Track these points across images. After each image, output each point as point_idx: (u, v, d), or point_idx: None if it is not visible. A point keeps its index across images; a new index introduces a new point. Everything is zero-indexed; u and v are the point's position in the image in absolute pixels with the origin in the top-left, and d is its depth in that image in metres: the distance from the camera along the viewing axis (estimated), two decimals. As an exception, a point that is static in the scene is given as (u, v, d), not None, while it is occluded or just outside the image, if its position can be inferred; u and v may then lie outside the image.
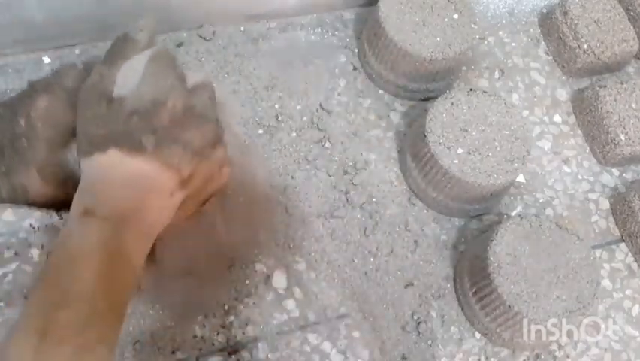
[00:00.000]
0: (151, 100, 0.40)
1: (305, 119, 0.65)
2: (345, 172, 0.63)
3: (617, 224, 0.68)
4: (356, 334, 0.56)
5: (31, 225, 0.54)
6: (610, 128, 0.68)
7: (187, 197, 0.41)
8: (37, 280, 0.37)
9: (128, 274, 0.38)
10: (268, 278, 0.57)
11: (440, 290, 0.60)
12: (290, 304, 0.56)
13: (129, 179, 0.39)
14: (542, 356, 0.59)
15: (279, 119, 0.64)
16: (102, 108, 0.40)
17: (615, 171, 0.71)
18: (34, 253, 0.53)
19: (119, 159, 0.39)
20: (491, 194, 0.61)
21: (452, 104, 0.61)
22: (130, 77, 0.40)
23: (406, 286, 0.59)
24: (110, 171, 0.39)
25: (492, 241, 0.56)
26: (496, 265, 0.55)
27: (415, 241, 0.62)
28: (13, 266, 0.52)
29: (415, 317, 0.58)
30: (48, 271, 0.37)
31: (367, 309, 0.57)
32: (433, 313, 0.59)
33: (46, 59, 0.62)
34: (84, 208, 0.38)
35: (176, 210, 0.41)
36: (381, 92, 0.69)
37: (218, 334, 0.54)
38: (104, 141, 0.39)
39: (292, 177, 0.62)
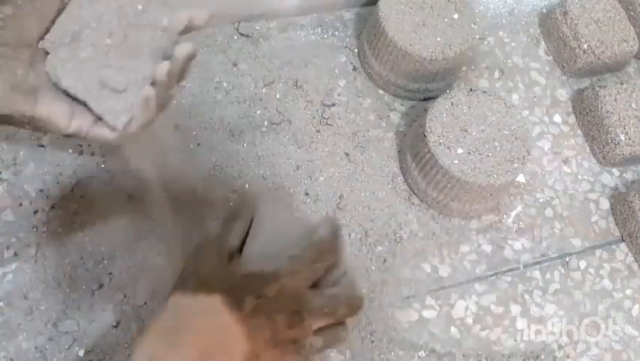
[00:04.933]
0: (272, 271, 0.41)
1: (305, 119, 0.65)
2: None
3: (617, 224, 0.67)
4: (356, 334, 0.56)
5: (31, 224, 0.54)
6: (610, 128, 0.68)
7: None
8: None
9: None
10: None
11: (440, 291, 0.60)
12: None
13: (214, 332, 0.39)
14: (542, 357, 0.59)
15: (279, 119, 0.65)
16: (223, 261, 0.42)
17: (615, 171, 0.71)
18: (34, 253, 0.53)
19: (218, 307, 0.39)
20: (491, 194, 0.61)
21: (452, 104, 0.61)
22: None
23: (405, 287, 0.59)
24: (202, 316, 0.39)
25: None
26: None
27: (415, 242, 0.62)
28: (13, 266, 0.53)
29: (414, 319, 0.58)
30: None
31: (368, 312, 0.57)
32: (434, 314, 0.59)
33: (46, 59, 0.62)
34: (149, 358, 0.38)
35: None
36: (381, 92, 0.69)
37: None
38: (215, 287, 0.40)
39: (292, 176, 0.62)
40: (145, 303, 0.53)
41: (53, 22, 0.40)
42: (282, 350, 0.40)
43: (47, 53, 0.39)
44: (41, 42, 0.39)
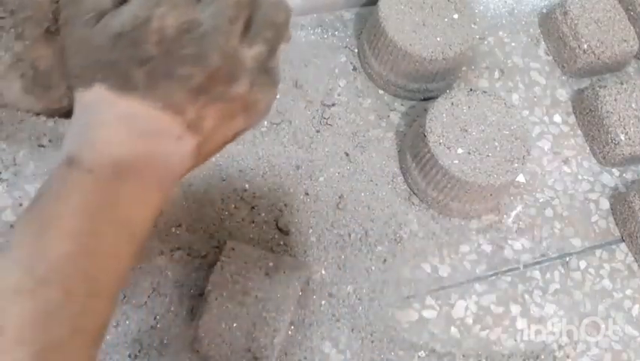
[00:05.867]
0: (132, 17, 0.29)
1: (305, 119, 0.65)
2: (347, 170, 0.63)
3: (617, 224, 0.67)
4: (356, 334, 0.56)
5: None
6: (610, 128, 0.68)
7: (204, 140, 0.32)
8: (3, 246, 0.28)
9: (123, 244, 0.30)
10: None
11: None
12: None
13: (121, 122, 0.30)
14: (542, 357, 0.59)
15: (279, 119, 0.64)
16: (87, 29, 0.30)
17: (615, 171, 0.71)
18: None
19: (105, 97, 0.30)
20: (491, 194, 0.61)
21: (452, 104, 0.61)
22: None
23: (405, 287, 0.59)
24: (97, 111, 0.30)
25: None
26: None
27: (415, 242, 0.61)
28: (13, 266, 0.52)
29: (414, 319, 0.58)
30: (15, 241, 0.28)
31: (369, 312, 0.57)
32: (434, 314, 0.59)
33: (46, 59, 0.62)
34: (67, 157, 0.29)
35: (194, 157, 0.32)
36: (381, 92, 0.69)
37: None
38: (88, 73, 0.30)
39: (292, 176, 0.62)
40: (145, 303, 0.53)
41: None
42: (208, 98, 0.31)
43: None
44: None
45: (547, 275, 0.63)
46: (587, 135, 0.71)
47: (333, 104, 0.67)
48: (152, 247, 0.55)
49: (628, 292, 0.64)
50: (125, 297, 0.53)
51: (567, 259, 0.64)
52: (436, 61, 0.64)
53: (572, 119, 0.73)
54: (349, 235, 0.60)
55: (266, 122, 0.64)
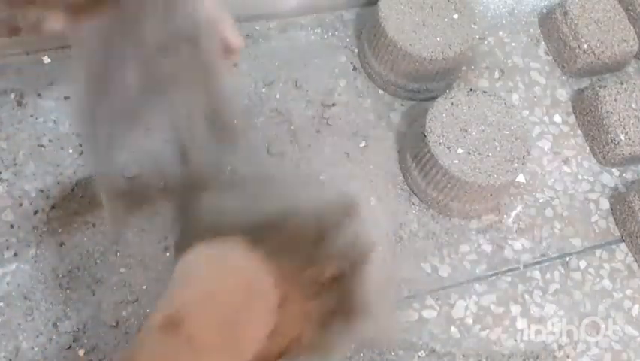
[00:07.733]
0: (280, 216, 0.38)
1: (305, 119, 0.65)
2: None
3: (617, 224, 0.67)
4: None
5: (31, 224, 0.54)
6: (610, 128, 0.68)
7: None
8: None
9: None
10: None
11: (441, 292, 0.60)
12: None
13: (243, 275, 0.37)
14: (542, 357, 0.59)
15: (280, 119, 0.65)
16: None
17: (615, 171, 0.71)
18: (34, 253, 0.53)
19: (240, 249, 0.37)
20: (491, 194, 0.61)
21: (452, 104, 0.61)
22: None
23: (405, 287, 0.59)
24: (226, 261, 0.37)
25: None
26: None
27: (415, 242, 0.61)
28: (13, 266, 0.53)
29: (414, 319, 0.58)
30: None
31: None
32: (434, 314, 0.59)
33: (46, 59, 0.62)
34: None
35: None
36: (381, 92, 0.69)
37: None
38: (232, 229, 0.37)
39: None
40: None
41: None
42: (305, 291, 0.37)
43: None
44: None
45: (547, 275, 0.63)
46: (587, 135, 0.71)
47: (333, 104, 0.67)
48: (152, 244, 0.55)
49: (628, 292, 0.64)
50: (125, 297, 0.53)
51: (567, 259, 0.64)
52: (436, 61, 0.64)
53: (572, 119, 0.73)
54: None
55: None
